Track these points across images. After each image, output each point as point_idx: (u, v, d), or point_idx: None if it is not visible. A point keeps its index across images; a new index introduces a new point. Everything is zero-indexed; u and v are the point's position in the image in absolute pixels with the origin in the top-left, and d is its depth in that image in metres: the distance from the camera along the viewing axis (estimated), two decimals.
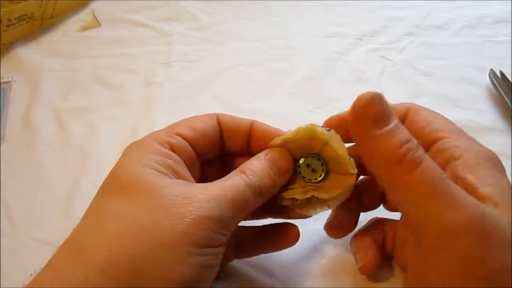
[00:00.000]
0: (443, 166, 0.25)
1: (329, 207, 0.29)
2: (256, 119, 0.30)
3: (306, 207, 0.29)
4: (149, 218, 0.23)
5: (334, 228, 0.31)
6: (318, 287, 0.32)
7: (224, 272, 0.33)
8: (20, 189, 0.39)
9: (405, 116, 0.28)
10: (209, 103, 0.44)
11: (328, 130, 0.28)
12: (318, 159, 0.29)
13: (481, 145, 0.27)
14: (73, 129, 0.43)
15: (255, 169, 0.27)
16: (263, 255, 0.33)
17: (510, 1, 0.48)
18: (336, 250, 0.33)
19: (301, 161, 0.29)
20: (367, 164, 0.27)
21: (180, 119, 0.30)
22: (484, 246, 0.22)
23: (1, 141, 0.43)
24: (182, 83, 0.46)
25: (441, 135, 0.27)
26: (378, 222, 0.31)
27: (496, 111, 0.41)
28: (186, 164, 0.28)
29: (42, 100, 0.45)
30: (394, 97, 0.42)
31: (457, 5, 0.49)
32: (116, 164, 0.27)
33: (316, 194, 0.28)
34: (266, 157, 0.28)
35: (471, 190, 0.23)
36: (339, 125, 0.28)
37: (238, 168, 0.27)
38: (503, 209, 0.23)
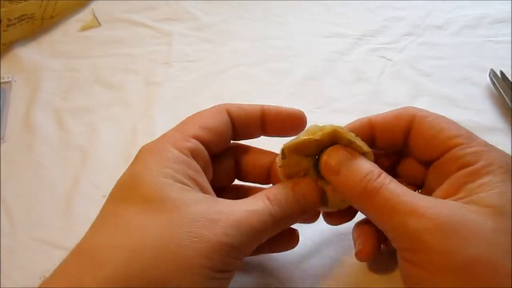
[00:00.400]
0: (454, 173, 0.26)
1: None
2: None
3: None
4: (172, 237, 0.22)
5: (333, 215, 0.31)
6: (318, 287, 0.32)
7: None
8: (20, 189, 0.39)
9: (411, 124, 0.28)
10: (209, 103, 0.43)
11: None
12: None
13: (495, 149, 0.27)
14: (73, 129, 0.43)
15: (282, 199, 0.26)
16: (264, 255, 0.33)
17: (510, 1, 0.48)
18: (336, 250, 0.33)
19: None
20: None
21: (180, 119, 0.29)
22: (451, 242, 0.23)
23: (1, 141, 0.43)
24: (182, 83, 0.46)
25: (455, 142, 0.26)
26: None
27: (496, 111, 0.41)
28: (203, 170, 0.27)
29: (42, 100, 0.45)
30: (394, 97, 0.43)
31: (457, 5, 0.49)
32: (133, 171, 0.26)
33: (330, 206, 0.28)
34: (296, 189, 0.27)
35: (467, 197, 0.24)
36: (383, 128, 0.29)
37: (264, 192, 0.26)
38: (490, 209, 0.23)
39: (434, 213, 0.23)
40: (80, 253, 0.23)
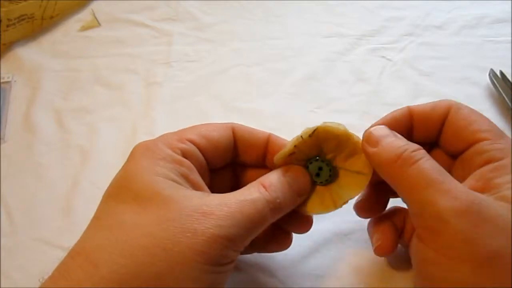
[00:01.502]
0: (480, 166, 0.26)
1: (343, 204, 0.29)
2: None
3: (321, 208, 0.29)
4: (165, 234, 0.23)
5: (365, 208, 0.31)
6: (318, 287, 0.32)
7: None
8: (20, 189, 0.39)
9: (447, 113, 0.28)
10: (209, 103, 0.44)
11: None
12: (322, 161, 0.29)
13: None
14: (73, 129, 0.43)
15: (276, 184, 0.26)
16: (263, 254, 0.33)
17: (510, 1, 0.48)
18: (337, 250, 0.33)
19: (310, 164, 0.29)
20: (377, 172, 0.28)
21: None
22: (478, 230, 0.22)
23: (1, 141, 0.43)
24: (182, 83, 0.46)
25: (483, 136, 0.27)
26: (399, 210, 0.31)
27: (496, 111, 0.41)
28: (197, 171, 0.27)
29: (42, 100, 0.45)
30: (394, 97, 0.43)
31: (456, 5, 0.49)
32: (126, 170, 0.26)
33: (334, 198, 0.29)
34: (287, 174, 0.27)
35: (494, 192, 0.24)
36: (421, 117, 0.29)
37: (258, 180, 0.27)
38: None
39: (467, 199, 0.23)
40: (76, 254, 0.23)
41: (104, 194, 0.26)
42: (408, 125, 0.29)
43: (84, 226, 0.25)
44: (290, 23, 0.50)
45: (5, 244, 0.36)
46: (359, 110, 0.42)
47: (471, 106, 0.41)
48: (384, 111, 0.42)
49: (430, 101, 0.42)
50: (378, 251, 0.30)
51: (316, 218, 0.30)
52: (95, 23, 0.52)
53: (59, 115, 0.44)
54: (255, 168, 0.31)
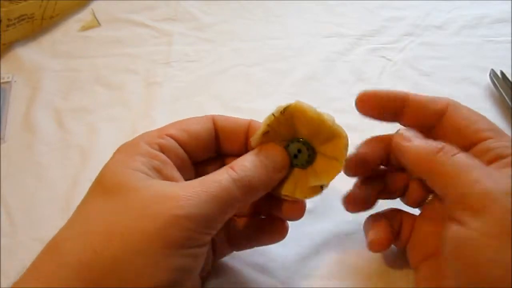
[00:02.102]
0: (488, 163, 0.26)
1: (318, 192, 0.28)
2: (256, 119, 0.30)
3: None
4: (123, 220, 0.23)
5: (353, 202, 0.30)
6: (318, 287, 0.32)
7: (223, 272, 0.33)
8: (20, 189, 0.39)
9: (445, 111, 0.28)
10: (209, 103, 0.44)
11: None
12: (302, 143, 0.28)
13: None
14: (73, 129, 0.43)
15: (247, 164, 0.26)
16: (264, 255, 0.33)
17: (510, 1, 0.48)
18: (336, 250, 0.33)
19: (290, 144, 0.28)
20: (408, 164, 0.27)
21: (180, 119, 0.30)
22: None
23: (1, 141, 0.43)
24: (182, 83, 0.46)
25: (486, 135, 0.27)
26: (396, 211, 0.31)
27: (497, 111, 0.41)
28: (176, 165, 0.27)
29: (42, 100, 0.45)
30: None
31: (456, 5, 0.49)
32: (104, 166, 0.27)
33: (309, 182, 0.28)
34: (260, 153, 0.27)
35: None
36: (418, 112, 0.29)
37: (228, 165, 0.27)
38: None
39: (509, 182, 0.23)
40: (47, 247, 0.24)
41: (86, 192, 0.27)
42: (399, 107, 0.29)
43: None
44: (290, 23, 0.50)
45: (5, 244, 0.36)
46: None
47: (471, 106, 0.41)
48: None
49: None
50: (371, 245, 0.29)
51: (316, 218, 0.30)
52: (95, 23, 0.52)
53: (59, 115, 0.44)
54: (231, 121, 0.30)
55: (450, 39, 0.47)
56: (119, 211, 0.23)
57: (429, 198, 0.30)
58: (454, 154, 0.25)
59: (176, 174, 0.27)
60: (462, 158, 0.25)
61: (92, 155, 0.41)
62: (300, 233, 0.33)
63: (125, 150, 0.27)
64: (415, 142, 0.27)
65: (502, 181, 0.23)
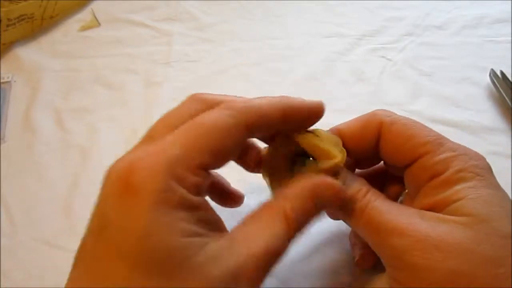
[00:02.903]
0: (426, 182, 0.26)
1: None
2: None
3: None
4: None
5: (366, 263, 0.31)
6: (318, 287, 0.32)
7: None
8: (20, 189, 0.39)
9: (379, 133, 0.28)
10: None
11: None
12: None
13: (465, 152, 0.26)
14: (73, 129, 0.43)
15: (299, 210, 0.23)
16: None
17: (510, 1, 0.48)
18: (336, 250, 0.33)
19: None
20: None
21: None
22: (431, 256, 0.22)
23: (1, 141, 0.43)
24: (182, 83, 0.46)
25: (424, 150, 0.26)
26: None
27: (497, 111, 0.41)
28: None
29: (42, 100, 0.45)
30: (394, 97, 0.43)
31: (457, 5, 0.49)
32: (145, 232, 0.19)
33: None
34: (313, 189, 0.24)
35: (442, 208, 0.24)
36: (353, 139, 0.28)
37: (280, 209, 0.23)
38: (469, 218, 0.23)
39: (414, 230, 0.23)
40: None
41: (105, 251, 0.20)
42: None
43: (84, 226, 0.25)
44: (290, 23, 0.50)
45: (5, 244, 0.36)
46: (359, 110, 0.42)
47: (471, 106, 0.41)
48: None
49: (430, 101, 0.42)
50: (358, 263, 0.30)
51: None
52: (95, 23, 0.52)
53: (59, 115, 0.44)
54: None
55: (450, 39, 0.47)
56: None
57: (400, 198, 0.30)
58: (364, 208, 0.25)
59: (217, 215, 0.24)
60: (370, 216, 0.25)
61: (92, 155, 0.41)
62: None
63: (160, 202, 0.20)
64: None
65: (406, 236, 0.23)
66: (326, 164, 0.26)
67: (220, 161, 0.23)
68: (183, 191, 0.20)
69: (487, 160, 0.26)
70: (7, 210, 0.38)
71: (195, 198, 0.21)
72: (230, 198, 0.32)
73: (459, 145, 0.26)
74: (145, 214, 0.19)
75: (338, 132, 0.29)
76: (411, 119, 0.28)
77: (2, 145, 0.42)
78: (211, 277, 0.20)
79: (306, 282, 0.32)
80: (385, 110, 0.29)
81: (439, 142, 0.26)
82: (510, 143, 0.38)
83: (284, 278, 0.32)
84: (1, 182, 0.40)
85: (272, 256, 0.22)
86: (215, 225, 0.23)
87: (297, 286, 0.32)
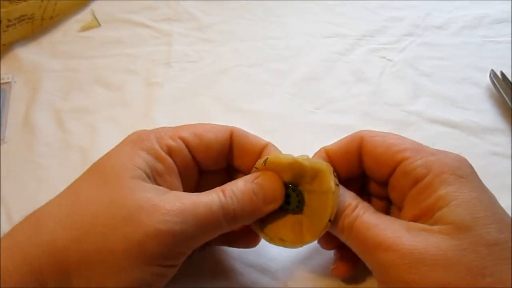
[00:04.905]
0: (410, 188, 0.26)
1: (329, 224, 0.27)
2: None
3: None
4: (108, 218, 0.23)
5: (342, 273, 0.31)
6: (318, 287, 0.32)
7: (223, 272, 0.33)
8: (20, 189, 0.39)
9: (360, 146, 0.28)
10: (209, 104, 0.44)
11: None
12: (293, 189, 0.28)
13: (445, 155, 0.26)
14: (73, 129, 0.43)
15: (236, 191, 0.26)
16: (264, 256, 0.33)
17: (510, 1, 0.48)
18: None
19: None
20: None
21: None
22: (415, 270, 0.22)
23: (1, 141, 0.43)
24: (182, 84, 0.46)
25: (402, 156, 0.26)
26: None
27: (497, 112, 0.41)
28: (180, 170, 0.27)
29: (42, 101, 0.45)
30: (394, 97, 0.43)
31: (457, 5, 0.49)
32: (110, 150, 0.27)
33: (309, 227, 0.27)
34: (255, 181, 0.27)
35: (428, 216, 0.24)
36: (338, 156, 0.28)
37: (222, 186, 0.26)
38: (450, 226, 0.23)
39: (399, 244, 0.23)
40: (30, 216, 0.25)
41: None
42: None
43: None
44: (290, 23, 0.50)
45: None
46: (359, 111, 0.42)
47: (471, 107, 0.41)
48: (384, 112, 0.42)
49: (431, 101, 0.42)
50: (333, 273, 0.31)
51: None
52: (95, 23, 0.52)
53: (59, 116, 0.44)
54: (248, 137, 0.30)
55: (450, 39, 0.47)
56: (108, 207, 0.23)
57: (390, 210, 0.30)
58: (353, 223, 0.26)
59: (176, 182, 0.27)
60: (357, 232, 0.25)
61: (92, 155, 0.41)
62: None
63: (135, 141, 0.27)
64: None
65: (392, 251, 0.23)
66: (325, 176, 0.27)
67: (200, 143, 0.28)
68: (155, 143, 0.26)
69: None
70: (7, 210, 0.38)
71: (161, 152, 0.26)
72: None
73: (438, 150, 0.27)
74: (120, 146, 0.27)
75: (325, 152, 0.29)
76: (390, 133, 0.28)
77: (2, 146, 0.42)
78: (132, 197, 0.23)
79: (307, 282, 0.32)
80: (368, 130, 0.29)
81: (417, 148, 0.27)
82: (510, 143, 0.38)
83: (284, 278, 0.32)
84: (1, 182, 0.40)
85: (197, 216, 0.23)
86: (170, 187, 0.26)
87: (297, 286, 0.32)
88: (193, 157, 0.28)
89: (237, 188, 0.26)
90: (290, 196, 0.28)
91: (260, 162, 0.28)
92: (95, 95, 0.46)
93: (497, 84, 0.41)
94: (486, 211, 0.23)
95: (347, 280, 0.32)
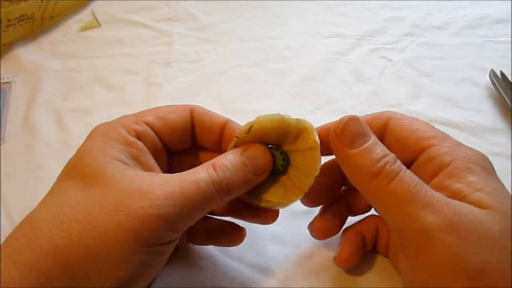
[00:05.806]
0: (434, 174, 0.25)
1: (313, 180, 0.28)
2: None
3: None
4: (100, 211, 0.23)
5: (318, 230, 0.31)
6: (318, 287, 0.32)
7: (223, 272, 0.33)
8: (20, 189, 0.39)
9: (386, 125, 0.28)
10: (209, 104, 0.43)
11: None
12: (277, 149, 0.28)
13: (469, 148, 0.26)
14: (73, 129, 0.43)
15: (228, 164, 0.26)
16: (263, 255, 0.33)
17: (510, 1, 0.48)
18: (336, 250, 0.33)
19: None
20: (350, 180, 0.27)
21: None
22: (464, 243, 0.22)
23: (1, 141, 0.43)
24: (182, 84, 0.46)
25: (429, 143, 0.26)
26: (373, 219, 0.31)
27: (497, 112, 0.41)
28: (151, 153, 0.27)
29: (42, 101, 0.45)
30: (394, 97, 0.43)
31: (457, 5, 0.49)
32: (79, 149, 0.27)
33: (297, 183, 0.28)
34: (244, 153, 0.27)
35: (460, 198, 0.24)
36: (325, 135, 0.28)
37: (210, 161, 0.26)
38: (492, 210, 0.23)
39: (450, 211, 0.22)
40: (23, 224, 0.25)
41: (61, 172, 0.27)
42: None
43: None
44: (290, 23, 0.50)
45: None
46: (359, 111, 0.41)
47: (471, 107, 0.41)
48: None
49: (431, 101, 0.42)
50: (335, 262, 0.30)
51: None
52: (95, 23, 0.52)
53: (59, 116, 0.44)
54: (217, 153, 0.30)
55: (451, 39, 0.47)
56: (97, 200, 0.23)
57: None
58: (393, 179, 0.24)
59: (153, 163, 0.27)
60: (401, 185, 0.23)
61: None
62: (299, 233, 0.33)
63: (102, 134, 0.27)
64: (357, 148, 0.25)
65: (444, 209, 0.23)
66: (309, 133, 0.27)
67: (164, 125, 0.28)
68: (122, 130, 0.27)
69: None
70: (7, 210, 0.38)
71: (130, 137, 0.27)
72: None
73: (460, 142, 0.27)
74: (89, 141, 0.27)
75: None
76: (418, 118, 0.28)
77: (2, 146, 0.42)
78: (118, 187, 0.24)
79: (306, 282, 0.32)
80: (396, 112, 0.29)
81: (444, 137, 0.27)
82: (510, 143, 0.38)
83: (284, 278, 0.32)
84: (1, 182, 0.40)
85: (188, 197, 0.24)
86: (149, 169, 0.27)
87: (297, 286, 0.32)
88: (160, 139, 0.28)
89: (229, 162, 0.26)
90: (275, 157, 0.28)
91: (242, 130, 0.28)
92: (95, 95, 0.46)
93: (497, 84, 0.41)
94: (510, 202, 0.24)
95: (347, 280, 0.32)
